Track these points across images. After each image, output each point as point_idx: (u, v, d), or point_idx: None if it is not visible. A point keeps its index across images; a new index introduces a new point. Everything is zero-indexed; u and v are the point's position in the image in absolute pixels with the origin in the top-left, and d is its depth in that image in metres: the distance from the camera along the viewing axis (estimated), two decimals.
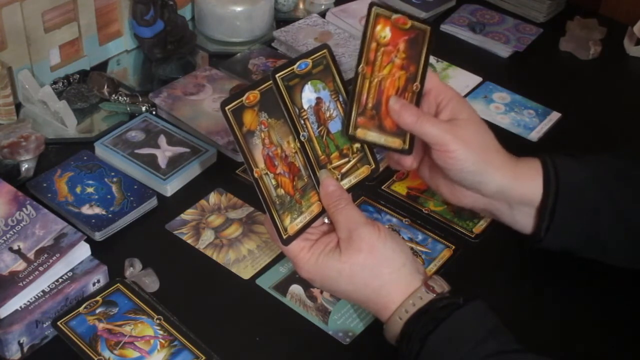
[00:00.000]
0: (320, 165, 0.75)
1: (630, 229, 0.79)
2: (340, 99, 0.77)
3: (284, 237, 0.72)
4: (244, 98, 0.70)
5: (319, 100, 0.75)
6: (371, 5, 0.75)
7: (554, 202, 0.79)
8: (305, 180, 0.74)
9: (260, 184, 0.71)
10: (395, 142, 0.77)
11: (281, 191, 0.72)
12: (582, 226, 0.80)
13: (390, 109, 0.76)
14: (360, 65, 0.75)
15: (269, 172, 0.71)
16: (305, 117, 0.74)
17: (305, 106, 0.74)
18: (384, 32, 0.75)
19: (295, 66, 0.74)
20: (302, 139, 0.74)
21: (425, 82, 0.77)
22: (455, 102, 0.78)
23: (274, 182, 0.72)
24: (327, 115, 0.76)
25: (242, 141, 0.70)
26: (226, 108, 0.69)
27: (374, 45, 0.75)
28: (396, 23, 0.75)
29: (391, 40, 0.75)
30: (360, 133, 0.76)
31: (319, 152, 0.75)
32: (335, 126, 0.77)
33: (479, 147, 0.77)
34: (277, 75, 0.72)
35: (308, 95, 0.75)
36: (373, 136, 0.77)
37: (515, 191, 0.80)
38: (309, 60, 0.75)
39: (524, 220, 0.82)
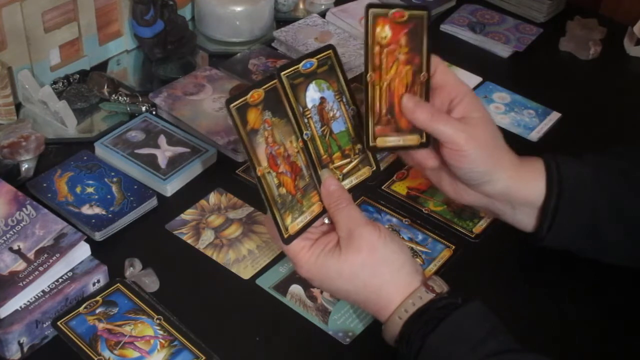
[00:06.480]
0: (322, 165, 0.75)
1: (630, 228, 0.79)
2: (344, 100, 0.77)
3: (285, 236, 0.72)
4: (248, 96, 0.70)
5: (322, 100, 0.75)
6: (368, 7, 0.73)
7: (557, 203, 0.79)
8: (307, 180, 0.74)
9: (262, 182, 0.71)
10: (414, 140, 0.78)
11: (283, 190, 0.72)
12: (583, 226, 0.80)
13: (404, 107, 0.76)
14: (368, 74, 0.74)
15: (271, 171, 0.71)
16: (309, 116, 0.74)
17: (309, 105, 0.75)
18: (384, 32, 0.74)
19: (300, 65, 0.74)
20: (305, 137, 0.74)
21: (440, 77, 0.77)
22: (468, 99, 0.77)
23: (276, 181, 0.72)
24: (331, 115, 0.76)
25: (246, 139, 0.70)
26: (230, 106, 0.69)
27: (377, 49, 0.74)
28: (394, 19, 0.74)
29: (392, 38, 0.75)
30: (380, 142, 0.77)
31: (322, 152, 0.75)
32: (338, 126, 0.77)
33: (490, 147, 0.77)
34: (282, 74, 0.72)
35: (312, 94, 0.75)
36: (392, 140, 0.77)
37: (518, 192, 0.80)
38: (314, 60, 0.75)
39: (526, 220, 0.82)
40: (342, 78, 0.77)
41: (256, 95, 0.70)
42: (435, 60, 0.77)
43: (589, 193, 0.80)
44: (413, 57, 0.76)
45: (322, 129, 0.75)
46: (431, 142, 0.78)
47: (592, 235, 0.80)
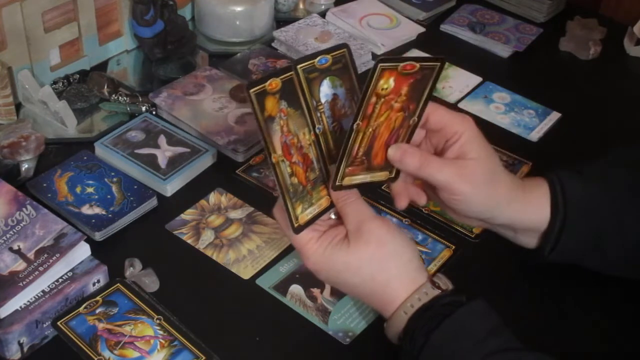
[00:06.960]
0: (332, 160, 0.75)
1: (634, 245, 0.79)
2: (355, 99, 0.77)
3: (295, 225, 0.72)
4: (266, 84, 0.70)
5: (335, 96, 0.76)
6: (377, 62, 0.69)
7: (561, 227, 0.78)
8: (317, 173, 0.75)
9: (276, 169, 0.71)
10: (382, 176, 0.76)
11: (295, 180, 0.72)
12: (587, 247, 0.79)
13: (391, 158, 0.74)
14: (356, 122, 0.71)
15: (285, 160, 0.71)
16: (322, 110, 0.74)
17: (322, 100, 0.75)
18: (387, 83, 0.71)
19: (315, 60, 0.74)
20: (317, 131, 0.74)
21: (436, 122, 0.75)
22: (464, 139, 0.74)
23: (289, 170, 0.72)
24: (342, 112, 0.76)
25: (263, 125, 0.70)
26: (250, 91, 0.69)
27: (373, 99, 0.71)
28: (402, 71, 0.71)
29: (393, 89, 0.71)
30: (346, 181, 0.75)
31: (332, 147, 0.75)
32: (347, 124, 0.77)
33: (487, 186, 0.75)
34: (298, 67, 0.73)
35: (326, 90, 0.75)
36: (360, 178, 0.75)
37: (521, 221, 0.79)
38: (329, 57, 0.75)
39: (527, 241, 0.81)
40: (355, 77, 0.77)
41: (274, 83, 0.71)
42: (432, 105, 0.74)
43: (594, 214, 0.79)
44: (409, 105, 0.73)
45: (333, 124, 0.76)
46: (400, 176, 0.77)
47: (595, 253, 0.80)
